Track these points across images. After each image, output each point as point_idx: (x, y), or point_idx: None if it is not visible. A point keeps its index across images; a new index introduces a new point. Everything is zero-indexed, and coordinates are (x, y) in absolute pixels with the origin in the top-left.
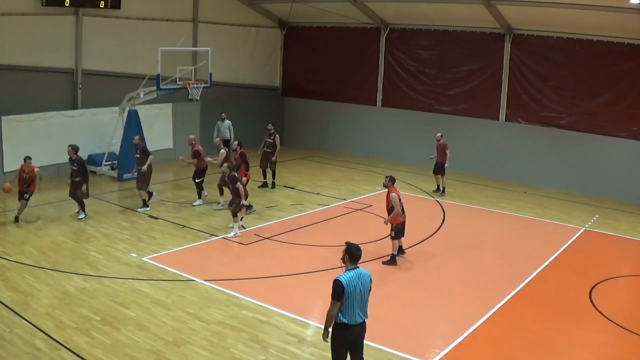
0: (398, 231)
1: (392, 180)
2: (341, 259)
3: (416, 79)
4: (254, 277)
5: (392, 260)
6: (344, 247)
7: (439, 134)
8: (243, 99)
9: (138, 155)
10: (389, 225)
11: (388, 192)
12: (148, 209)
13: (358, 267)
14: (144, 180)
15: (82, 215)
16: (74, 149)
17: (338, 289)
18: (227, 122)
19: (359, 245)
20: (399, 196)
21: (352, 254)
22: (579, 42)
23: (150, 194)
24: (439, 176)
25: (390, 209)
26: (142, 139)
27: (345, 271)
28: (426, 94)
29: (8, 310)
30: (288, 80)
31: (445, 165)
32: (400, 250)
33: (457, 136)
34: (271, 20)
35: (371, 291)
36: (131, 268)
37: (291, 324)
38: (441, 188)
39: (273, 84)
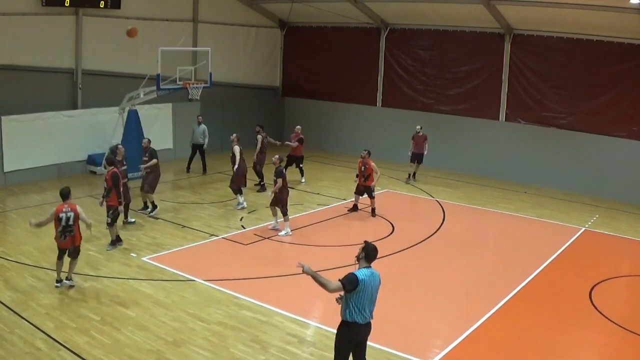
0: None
1: (369, 153)
2: (356, 256)
3: (416, 79)
4: (254, 277)
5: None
6: (362, 245)
7: (419, 127)
8: (243, 99)
9: (146, 158)
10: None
11: (367, 161)
12: (152, 211)
13: (371, 267)
14: (151, 184)
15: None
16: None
17: (352, 281)
18: (203, 126)
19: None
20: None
21: (368, 253)
22: (579, 42)
23: (155, 207)
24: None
25: (368, 175)
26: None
27: (359, 268)
28: (426, 94)
29: (8, 310)
30: (288, 80)
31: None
32: (354, 208)
33: (457, 136)
34: (271, 20)
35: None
36: (131, 268)
37: (291, 324)
38: (411, 176)
39: (273, 84)
